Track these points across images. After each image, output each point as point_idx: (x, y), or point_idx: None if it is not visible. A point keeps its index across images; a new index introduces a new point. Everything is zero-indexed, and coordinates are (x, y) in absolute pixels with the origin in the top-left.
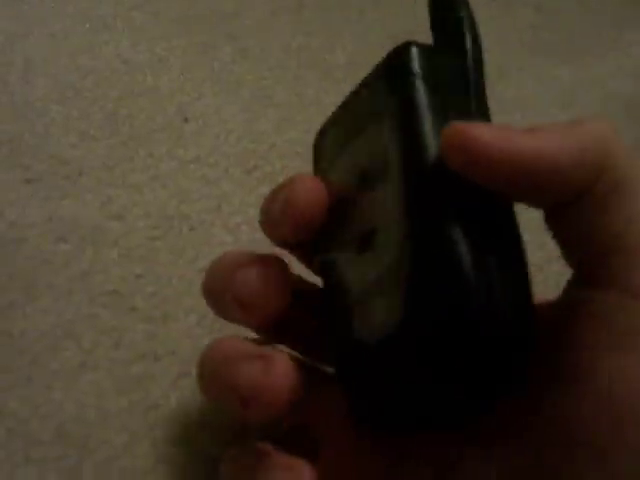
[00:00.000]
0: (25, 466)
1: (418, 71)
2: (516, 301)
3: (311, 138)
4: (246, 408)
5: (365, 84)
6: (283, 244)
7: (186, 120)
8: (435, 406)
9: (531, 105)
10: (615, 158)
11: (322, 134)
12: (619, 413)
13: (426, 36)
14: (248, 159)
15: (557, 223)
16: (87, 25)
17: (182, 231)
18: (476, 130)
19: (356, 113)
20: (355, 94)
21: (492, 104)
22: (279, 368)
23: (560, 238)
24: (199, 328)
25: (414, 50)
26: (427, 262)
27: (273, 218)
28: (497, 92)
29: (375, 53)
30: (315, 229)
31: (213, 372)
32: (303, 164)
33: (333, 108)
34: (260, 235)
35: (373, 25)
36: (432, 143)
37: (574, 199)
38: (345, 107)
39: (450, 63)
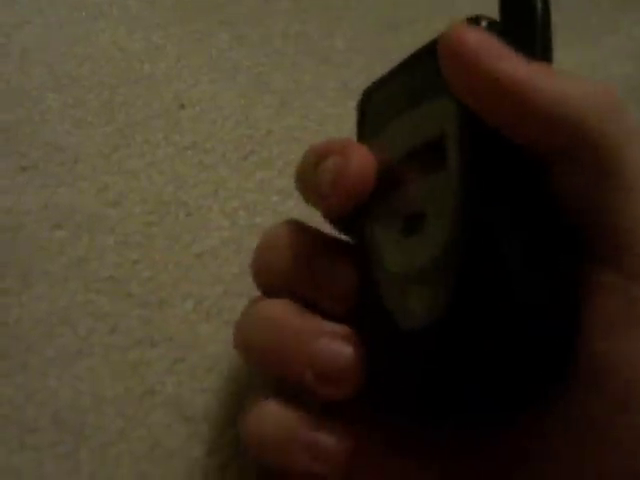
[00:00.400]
0: (21, 453)
1: None
2: (562, 301)
3: (309, 124)
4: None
5: (428, 51)
6: (326, 213)
7: (182, 106)
8: (475, 397)
9: None
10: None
11: (369, 95)
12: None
13: (425, 24)
14: (245, 145)
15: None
16: (83, 13)
17: (179, 217)
18: (471, 35)
19: (414, 82)
20: (415, 59)
21: None
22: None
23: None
24: (195, 314)
25: (484, 23)
26: (481, 258)
27: (321, 187)
28: None
29: (374, 39)
30: (363, 201)
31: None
32: (300, 150)
33: (332, 94)
34: (258, 220)
35: (372, 11)
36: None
37: (564, 150)
38: (402, 71)
39: (518, 39)
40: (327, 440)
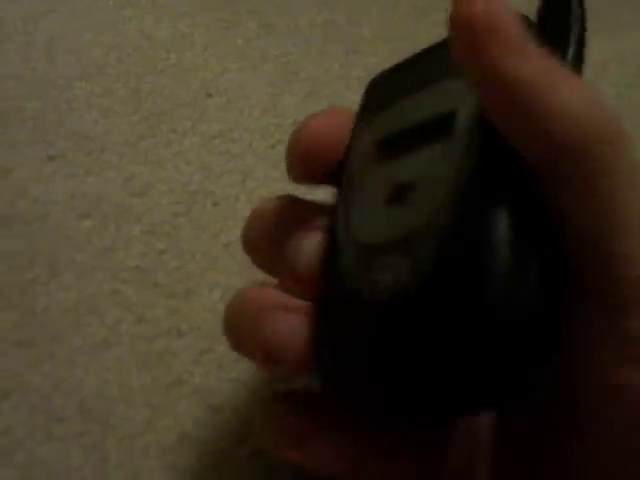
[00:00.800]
0: (48, 443)
1: None
2: (544, 302)
3: None
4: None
5: (442, 44)
6: (293, 179)
7: (210, 95)
8: (419, 390)
9: None
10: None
11: (375, 82)
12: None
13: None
14: (272, 133)
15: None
16: (110, 2)
17: (206, 206)
18: (485, 13)
19: (425, 68)
20: (429, 50)
21: None
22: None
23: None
24: (223, 304)
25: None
26: (468, 236)
27: (287, 156)
28: None
29: (401, 27)
30: (326, 165)
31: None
32: None
33: (359, 82)
34: None
35: None
36: None
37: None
38: (413, 60)
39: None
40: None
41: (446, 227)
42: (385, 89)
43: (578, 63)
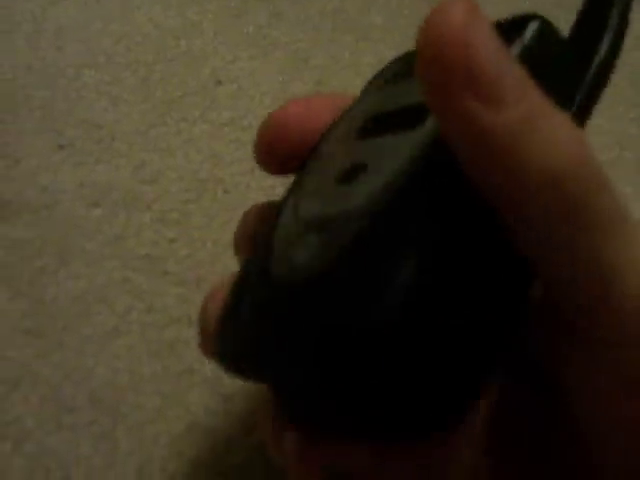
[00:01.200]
0: (58, 432)
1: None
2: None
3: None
4: None
5: None
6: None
7: (219, 83)
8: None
9: None
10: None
11: (371, 82)
12: None
13: None
14: None
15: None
16: None
17: (216, 194)
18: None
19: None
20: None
21: None
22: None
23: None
24: None
25: (535, 24)
26: (384, 232)
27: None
28: None
29: (411, 15)
30: (297, 154)
31: None
32: None
33: (370, 70)
34: None
35: None
36: None
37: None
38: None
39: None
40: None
41: (368, 215)
42: (374, 81)
43: (592, 95)
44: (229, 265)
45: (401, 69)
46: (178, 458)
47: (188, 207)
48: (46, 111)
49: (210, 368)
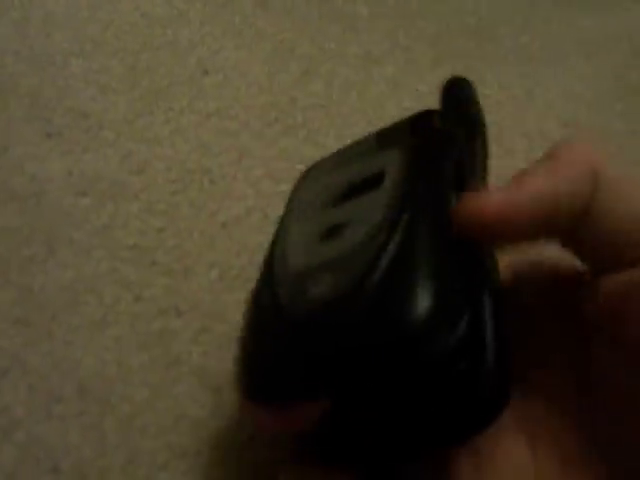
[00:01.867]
0: (47, 422)
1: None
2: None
3: (333, 91)
4: None
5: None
6: None
7: (206, 73)
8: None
9: (556, 56)
10: (604, 176)
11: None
12: None
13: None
14: (269, 112)
15: (571, 246)
16: None
17: (203, 184)
18: (487, 197)
19: (353, 152)
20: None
21: (518, 56)
22: None
23: (580, 257)
24: (221, 283)
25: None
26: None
27: None
28: (523, 43)
29: (396, 5)
30: None
31: None
32: (324, 117)
33: (356, 60)
34: (281, 187)
35: None
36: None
37: (576, 222)
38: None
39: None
40: None
41: (375, 250)
42: (314, 172)
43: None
44: (217, 256)
45: (340, 159)
46: (166, 449)
47: (175, 197)
48: (34, 99)
49: (198, 360)
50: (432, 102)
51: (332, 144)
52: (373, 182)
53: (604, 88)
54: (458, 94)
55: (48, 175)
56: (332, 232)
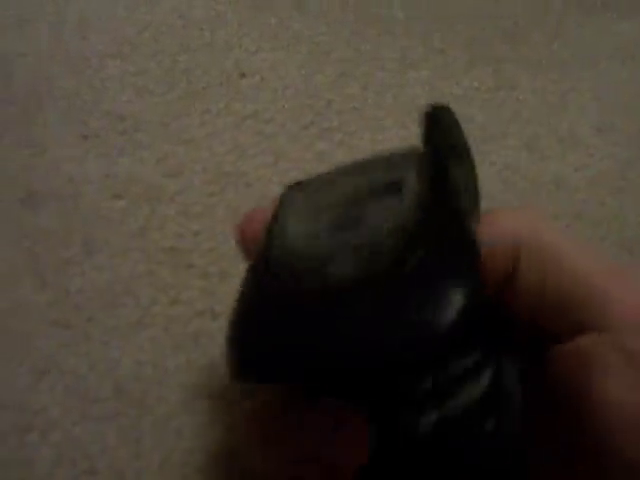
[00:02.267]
0: (83, 423)
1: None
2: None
3: (369, 94)
4: None
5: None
6: None
7: (243, 75)
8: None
9: (590, 61)
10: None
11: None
12: None
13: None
14: (305, 114)
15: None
16: None
17: (239, 187)
18: None
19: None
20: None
21: (552, 60)
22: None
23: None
24: None
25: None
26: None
27: None
28: (556, 48)
29: (433, 7)
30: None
31: None
32: (360, 120)
33: (391, 63)
34: None
35: None
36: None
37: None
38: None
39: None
40: None
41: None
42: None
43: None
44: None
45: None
46: (201, 451)
47: (211, 200)
48: (71, 101)
49: None
50: (467, 105)
51: (367, 147)
52: (392, 188)
53: (639, 93)
54: (441, 121)
55: (85, 177)
56: (347, 223)
